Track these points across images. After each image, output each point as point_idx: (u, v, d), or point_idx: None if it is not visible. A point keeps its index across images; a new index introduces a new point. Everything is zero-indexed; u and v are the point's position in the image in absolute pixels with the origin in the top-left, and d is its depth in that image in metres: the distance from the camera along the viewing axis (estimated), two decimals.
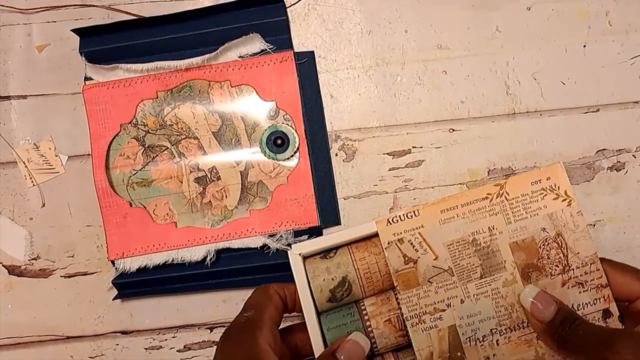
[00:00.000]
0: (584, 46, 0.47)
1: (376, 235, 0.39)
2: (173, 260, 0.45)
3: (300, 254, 0.38)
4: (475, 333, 0.37)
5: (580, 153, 0.46)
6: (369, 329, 0.38)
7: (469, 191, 0.39)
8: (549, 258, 0.38)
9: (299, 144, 0.45)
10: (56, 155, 0.47)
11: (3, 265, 0.47)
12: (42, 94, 0.48)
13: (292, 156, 0.45)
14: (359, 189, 0.46)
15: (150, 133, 0.46)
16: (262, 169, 0.45)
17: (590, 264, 0.38)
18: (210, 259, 0.45)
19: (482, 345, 0.37)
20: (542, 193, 0.39)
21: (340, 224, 0.46)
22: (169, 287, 0.46)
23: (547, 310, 0.36)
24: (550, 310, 0.36)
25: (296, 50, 0.46)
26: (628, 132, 0.46)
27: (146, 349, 0.46)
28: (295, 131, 0.45)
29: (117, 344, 0.47)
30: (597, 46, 0.47)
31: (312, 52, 0.47)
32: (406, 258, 0.38)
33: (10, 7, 0.48)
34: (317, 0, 0.48)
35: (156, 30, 0.46)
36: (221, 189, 0.45)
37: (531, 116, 0.46)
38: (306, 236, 0.45)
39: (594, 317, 0.37)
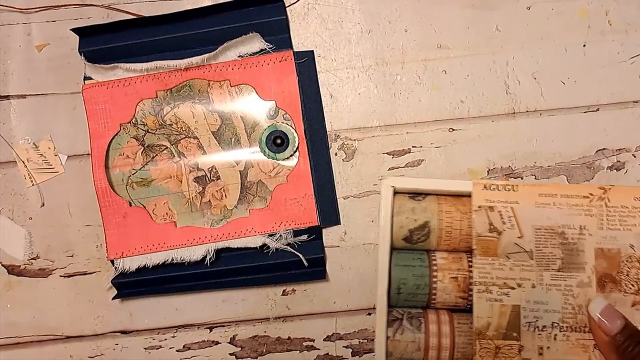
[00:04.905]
0: (584, 46, 0.47)
1: (468, 195, 0.40)
2: (173, 260, 0.45)
3: (393, 187, 0.40)
4: (537, 321, 0.38)
5: (580, 153, 0.46)
6: (435, 279, 0.39)
7: (572, 185, 0.40)
8: (628, 275, 0.38)
9: (298, 144, 0.45)
10: (56, 155, 0.47)
11: (3, 265, 0.47)
12: (42, 94, 0.48)
13: (292, 156, 0.45)
14: (359, 188, 0.46)
15: (150, 133, 0.46)
16: (262, 169, 0.45)
17: None
18: (210, 259, 0.45)
19: (539, 335, 0.38)
20: None
21: (340, 224, 0.46)
22: (168, 287, 0.46)
23: (613, 324, 0.36)
24: (616, 325, 0.36)
25: (296, 50, 0.46)
26: (628, 132, 0.46)
27: (146, 349, 0.46)
28: (295, 131, 0.45)
29: (117, 344, 0.47)
30: (597, 46, 0.47)
31: (312, 51, 0.47)
32: (492, 227, 0.39)
33: (10, 7, 0.48)
34: (317, 0, 0.48)
35: (156, 30, 0.46)
36: (221, 188, 0.45)
37: (531, 116, 0.46)
38: (306, 236, 0.45)
39: None
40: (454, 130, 0.46)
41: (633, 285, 0.38)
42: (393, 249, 0.40)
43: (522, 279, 0.38)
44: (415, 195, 0.41)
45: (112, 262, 0.45)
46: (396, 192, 0.41)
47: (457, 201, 0.40)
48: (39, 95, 0.48)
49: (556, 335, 0.38)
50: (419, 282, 0.39)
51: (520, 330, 0.38)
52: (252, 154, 0.45)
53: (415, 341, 0.39)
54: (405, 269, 0.39)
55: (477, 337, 0.38)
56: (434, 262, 0.39)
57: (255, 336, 0.46)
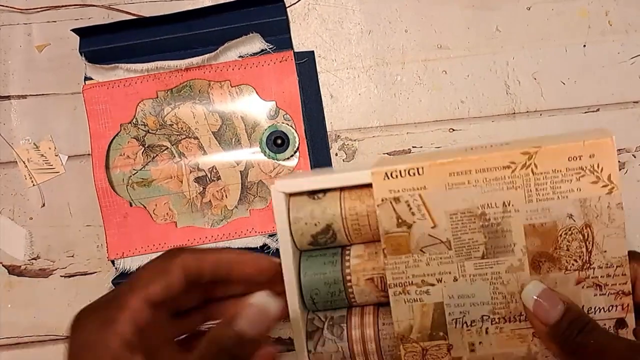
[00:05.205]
0: (584, 46, 0.47)
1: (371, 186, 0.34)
2: None
3: (283, 193, 0.35)
4: (464, 316, 0.34)
5: None
6: (349, 283, 0.35)
7: (489, 155, 0.33)
8: (568, 250, 0.33)
9: (298, 144, 0.45)
10: (56, 155, 0.47)
11: (3, 265, 0.47)
12: (42, 94, 0.48)
13: (292, 156, 0.45)
14: None
15: (150, 133, 0.46)
16: (262, 169, 0.45)
17: (616, 267, 0.32)
18: None
19: (468, 330, 0.34)
20: (580, 173, 0.32)
21: None
22: None
23: (553, 310, 0.31)
24: (556, 311, 0.31)
25: (296, 50, 0.46)
26: (628, 132, 0.46)
27: None
28: (295, 131, 0.45)
29: None
30: (597, 46, 0.47)
31: (312, 52, 0.47)
32: (400, 220, 0.33)
33: (10, 7, 0.48)
34: (317, 0, 0.48)
35: (156, 30, 0.46)
36: (221, 188, 0.45)
37: (531, 116, 0.46)
38: None
39: (605, 325, 0.33)
40: (454, 130, 0.46)
41: (576, 260, 0.33)
42: (302, 251, 0.36)
43: (441, 272, 0.33)
44: (314, 192, 0.35)
45: (113, 262, 0.45)
46: (290, 194, 0.36)
47: (362, 192, 0.35)
48: (39, 95, 0.48)
49: (487, 328, 0.33)
50: (332, 289, 0.35)
51: (447, 328, 0.34)
52: (252, 154, 0.45)
53: (339, 350, 0.35)
54: (315, 278, 0.35)
55: (400, 342, 0.34)
56: (347, 264, 0.35)
57: None
